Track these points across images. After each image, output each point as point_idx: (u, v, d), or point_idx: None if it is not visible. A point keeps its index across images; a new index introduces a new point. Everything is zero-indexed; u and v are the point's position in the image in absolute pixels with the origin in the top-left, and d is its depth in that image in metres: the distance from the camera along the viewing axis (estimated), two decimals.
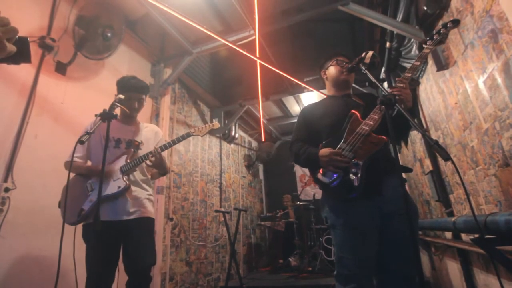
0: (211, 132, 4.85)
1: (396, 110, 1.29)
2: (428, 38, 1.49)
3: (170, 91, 3.68)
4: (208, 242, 4.19)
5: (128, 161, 1.77)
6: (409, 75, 1.38)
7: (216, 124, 2.00)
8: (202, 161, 4.43)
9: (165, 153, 3.40)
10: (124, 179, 1.73)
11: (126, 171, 1.75)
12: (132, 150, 1.83)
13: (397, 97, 1.20)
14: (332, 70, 1.68)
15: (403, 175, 2.58)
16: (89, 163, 1.88)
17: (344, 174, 1.34)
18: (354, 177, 1.31)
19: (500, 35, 1.43)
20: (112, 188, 1.70)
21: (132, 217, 1.72)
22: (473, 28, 1.68)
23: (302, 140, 1.60)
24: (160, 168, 1.88)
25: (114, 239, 1.68)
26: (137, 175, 1.85)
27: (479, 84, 1.69)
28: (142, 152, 1.84)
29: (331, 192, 1.44)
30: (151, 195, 1.89)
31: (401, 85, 1.31)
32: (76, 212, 1.67)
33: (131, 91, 1.87)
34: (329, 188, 1.40)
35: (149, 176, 1.96)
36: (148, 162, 1.79)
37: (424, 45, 1.50)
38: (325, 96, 1.80)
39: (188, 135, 1.90)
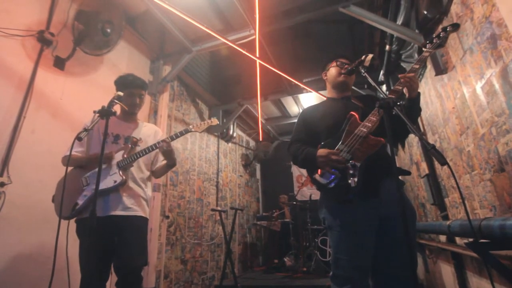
0: (209, 130, 4.85)
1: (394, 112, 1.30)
2: (427, 41, 1.50)
3: (169, 88, 3.66)
4: (204, 241, 4.19)
5: (125, 156, 1.76)
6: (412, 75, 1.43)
7: (214, 120, 1.99)
8: (199, 160, 4.42)
9: None
10: (121, 173, 1.71)
11: (123, 166, 1.74)
12: (130, 145, 1.82)
13: (404, 82, 1.37)
14: (331, 72, 1.69)
15: (401, 177, 2.59)
16: None
17: (341, 176, 1.35)
18: (351, 178, 1.31)
19: (499, 41, 1.44)
20: (108, 182, 1.68)
21: (124, 213, 1.68)
22: (472, 33, 1.69)
23: (301, 141, 1.61)
24: (169, 158, 1.88)
25: (106, 236, 1.64)
26: (135, 172, 1.83)
27: (476, 89, 1.70)
28: (140, 149, 1.83)
29: (328, 193, 1.44)
30: (147, 194, 1.86)
31: (411, 74, 1.39)
32: (70, 206, 1.65)
33: (131, 87, 1.89)
34: (326, 189, 1.40)
35: (149, 173, 1.93)
36: (162, 146, 1.79)
37: (423, 48, 1.51)
38: (324, 98, 1.80)
39: (186, 131, 1.90)
